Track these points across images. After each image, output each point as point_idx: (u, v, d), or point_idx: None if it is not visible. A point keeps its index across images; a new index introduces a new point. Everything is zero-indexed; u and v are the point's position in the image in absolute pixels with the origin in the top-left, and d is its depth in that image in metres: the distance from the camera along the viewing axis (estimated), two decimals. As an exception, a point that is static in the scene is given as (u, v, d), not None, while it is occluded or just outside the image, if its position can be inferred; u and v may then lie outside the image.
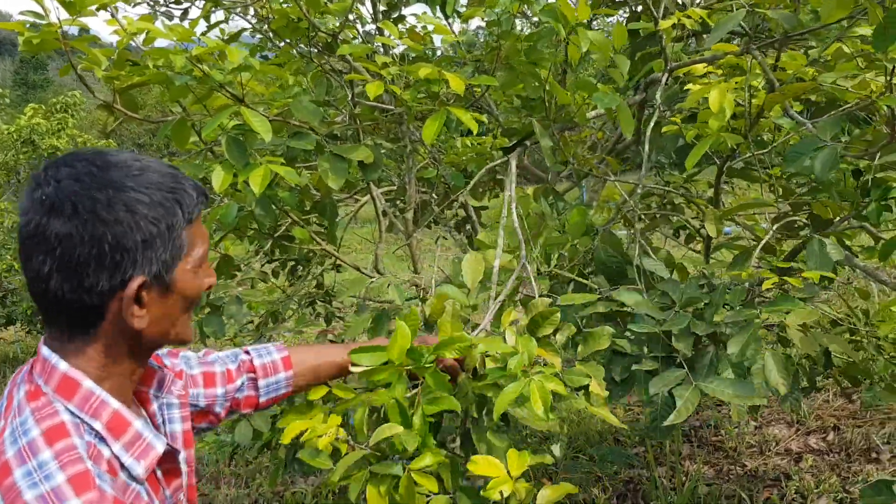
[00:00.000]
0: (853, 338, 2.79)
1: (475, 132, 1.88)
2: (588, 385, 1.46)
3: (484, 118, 2.79)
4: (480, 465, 1.25)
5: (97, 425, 0.92)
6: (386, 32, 2.07)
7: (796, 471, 3.49)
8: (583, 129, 2.98)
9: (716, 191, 2.26)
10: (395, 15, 3.43)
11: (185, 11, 3.00)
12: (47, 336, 0.96)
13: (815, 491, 3.28)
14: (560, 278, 2.06)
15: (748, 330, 1.63)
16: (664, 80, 2.09)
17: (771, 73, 1.83)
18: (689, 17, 1.95)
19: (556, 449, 2.64)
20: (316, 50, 2.29)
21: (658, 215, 2.52)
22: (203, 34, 2.28)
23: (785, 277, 1.73)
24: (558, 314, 1.48)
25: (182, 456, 1.08)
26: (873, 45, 1.54)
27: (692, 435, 4.03)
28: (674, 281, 1.86)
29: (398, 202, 3.52)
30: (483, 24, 2.27)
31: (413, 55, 2.44)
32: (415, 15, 2.20)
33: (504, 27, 2.05)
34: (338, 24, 2.12)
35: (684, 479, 3.52)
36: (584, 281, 1.91)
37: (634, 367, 1.62)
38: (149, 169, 0.95)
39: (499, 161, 2.15)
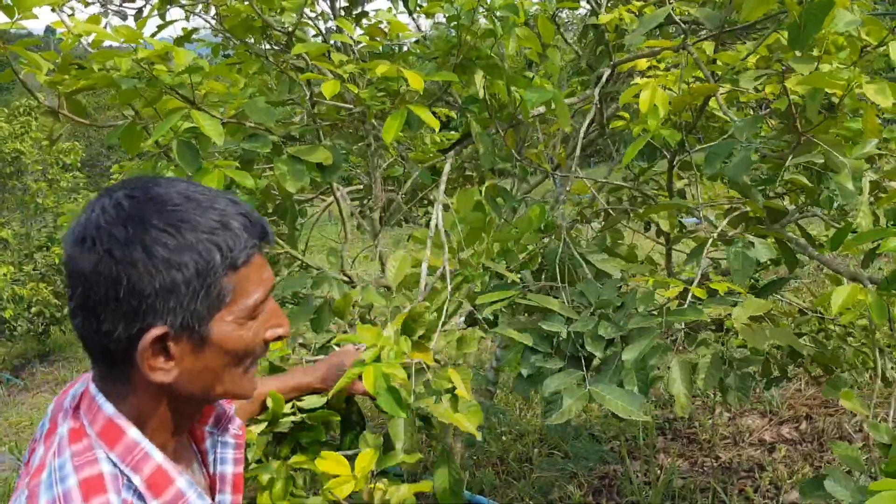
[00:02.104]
0: (821, 326, 2.79)
1: (437, 129, 1.84)
2: (454, 388, 1.47)
3: (454, 114, 2.75)
4: (328, 464, 1.28)
5: (136, 480, 0.85)
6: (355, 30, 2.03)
7: (770, 461, 3.50)
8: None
9: (668, 185, 2.24)
10: (357, 11, 3.38)
11: (140, 11, 2.92)
12: (94, 372, 0.89)
13: (789, 482, 3.29)
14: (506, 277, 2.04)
15: (647, 336, 1.65)
16: (605, 75, 2.09)
17: (706, 69, 1.81)
18: (630, 11, 1.94)
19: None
20: (275, 48, 2.24)
21: (616, 211, 2.50)
22: (153, 34, 2.22)
23: (708, 283, 1.73)
24: (428, 316, 1.52)
25: (229, 500, 1.02)
26: (789, 43, 1.52)
27: (667, 428, 4.03)
28: (592, 282, 1.88)
29: (366, 201, 3.47)
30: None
31: (378, 51, 2.40)
32: (375, 11, 2.16)
33: (464, 21, 2.02)
34: (293, 22, 2.07)
35: (659, 472, 3.52)
36: (508, 273, 1.90)
37: (539, 364, 1.64)
38: (191, 203, 0.83)
39: (436, 161, 2.12)
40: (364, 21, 2.77)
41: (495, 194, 2.33)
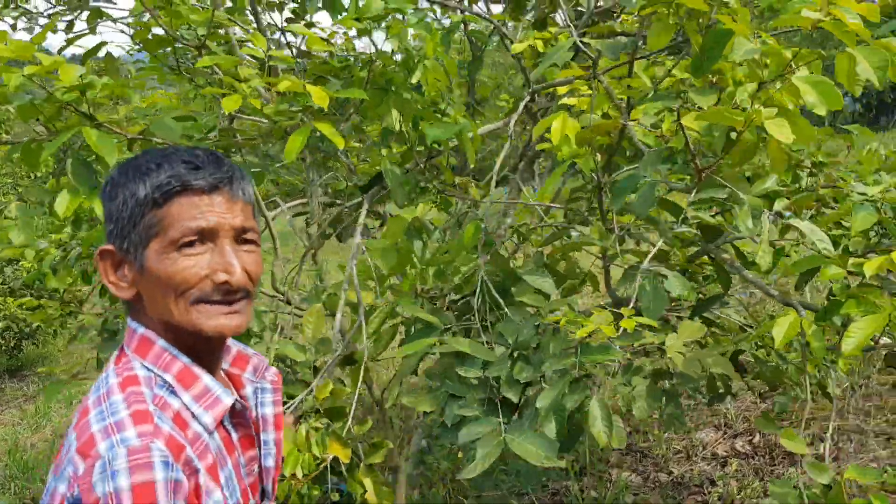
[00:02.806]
0: (761, 344, 2.76)
1: (342, 148, 1.79)
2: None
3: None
4: None
5: (168, 377, 0.98)
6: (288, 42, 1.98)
7: (721, 476, 3.46)
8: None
9: (600, 208, 2.20)
10: (302, 22, 3.34)
11: (70, 24, 2.85)
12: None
13: (738, 497, 3.24)
14: (440, 302, 2.00)
15: (562, 380, 1.62)
16: (524, 102, 2.06)
17: (616, 97, 1.78)
18: (542, 39, 1.91)
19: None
20: (191, 62, 2.19)
21: (554, 231, 2.46)
22: (62, 49, 2.16)
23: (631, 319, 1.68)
24: (346, 398, 1.51)
25: (272, 437, 1.14)
26: (691, 71, 1.49)
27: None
28: (513, 321, 1.85)
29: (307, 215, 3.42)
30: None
31: (303, 65, 2.35)
32: (290, 20, 2.10)
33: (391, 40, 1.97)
34: (203, 34, 2.02)
35: (610, 488, 3.47)
36: (430, 318, 1.87)
37: (458, 411, 1.60)
38: (151, 153, 1.00)
39: (353, 202, 2.08)
40: (314, 29, 2.72)
41: (419, 226, 2.28)
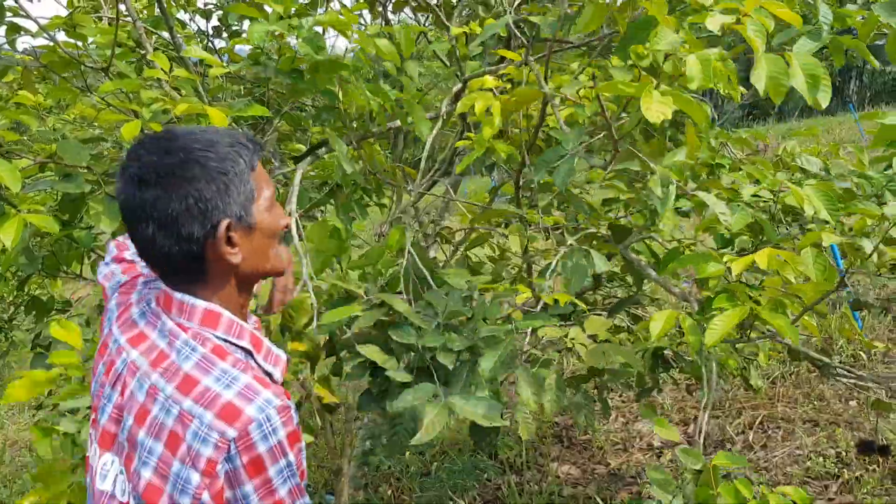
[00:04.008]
0: (681, 339, 2.84)
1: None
2: None
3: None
4: None
5: (244, 343, 1.12)
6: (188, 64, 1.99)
7: (656, 467, 3.56)
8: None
9: (517, 203, 2.26)
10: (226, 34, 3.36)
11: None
12: (167, 286, 1.12)
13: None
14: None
15: (500, 346, 1.62)
16: (455, 89, 2.10)
17: (545, 83, 1.82)
18: (480, 26, 1.95)
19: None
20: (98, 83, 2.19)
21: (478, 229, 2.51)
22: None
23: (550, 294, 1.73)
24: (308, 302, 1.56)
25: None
26: (615, 52, 1.55)
27: (563, 436, 4.07)
28: (438, 292, 1.85)
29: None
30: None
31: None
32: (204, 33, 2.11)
33: (264, 57, 1.99)
34: (106, 57, 2.02)
35: (550, 481, 3.55)
36: (353, 289, 1.88)
37: (395, 375, 1.59)
38: (208, 132, 1.10)
39: (287, 170, 2.11)
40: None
41: (346, 212, 2.31)
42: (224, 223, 1.07)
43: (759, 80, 1.53)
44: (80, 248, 2.24)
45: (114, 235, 2.26)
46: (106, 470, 1.10)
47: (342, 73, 2.05)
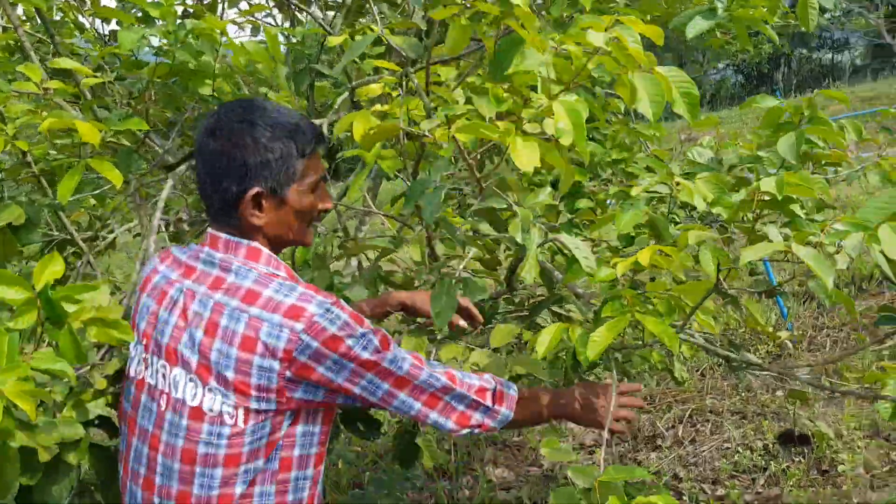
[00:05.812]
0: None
1: (119, 185, 1.71)
2: None
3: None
4: None
5: (282, 273, 1.30)
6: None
7: (589, 466, 3.54)
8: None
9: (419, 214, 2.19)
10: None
11: None
12: (216, 228, 1.32)
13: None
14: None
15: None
16: (341, 98, 2.02)
17: (426, 98, 1.75)
18: (371, 29, 1.87)
19: None
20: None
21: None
22: None
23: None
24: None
25: None
26: (489, 75, 1.48)
27: (497, 438, 4.03)
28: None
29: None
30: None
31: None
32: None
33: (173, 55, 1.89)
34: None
35: (483, 486, 3.51)
36: None
37: None
38: (279, 113, 1.30)
39: (159, 178, 2.00)
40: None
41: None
42: (254, 190, 1.26)
43: (644, 104, 1.45)
44: None
45: None
46: (177, 381, 1.24)
47: (207, 81, 1.96)
